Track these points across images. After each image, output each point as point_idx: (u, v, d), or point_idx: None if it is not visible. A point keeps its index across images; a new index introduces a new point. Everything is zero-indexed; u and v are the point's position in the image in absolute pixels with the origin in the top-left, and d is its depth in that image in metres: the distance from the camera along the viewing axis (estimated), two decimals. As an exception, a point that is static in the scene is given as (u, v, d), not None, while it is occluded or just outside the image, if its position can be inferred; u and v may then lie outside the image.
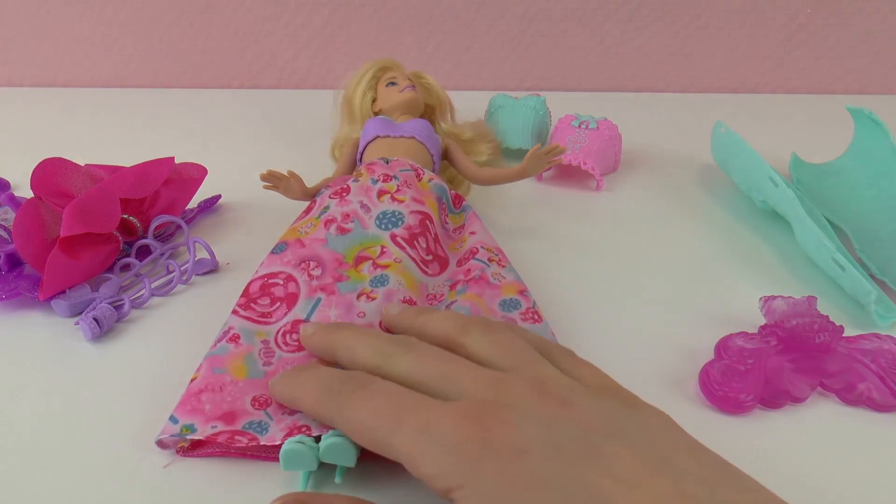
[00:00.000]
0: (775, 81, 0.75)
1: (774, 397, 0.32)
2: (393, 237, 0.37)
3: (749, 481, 0.22)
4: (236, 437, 0.28)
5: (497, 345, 0.27)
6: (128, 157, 0.55)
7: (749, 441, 0.30)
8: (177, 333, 0.36)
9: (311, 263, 0.35)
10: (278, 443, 0.27)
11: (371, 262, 0.36)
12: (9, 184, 0.50)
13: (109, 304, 0.36)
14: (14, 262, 0.38)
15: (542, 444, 0.21)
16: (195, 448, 0.29)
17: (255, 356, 0.31)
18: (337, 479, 0.28)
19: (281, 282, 0.35)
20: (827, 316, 0.34)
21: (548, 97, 0.58)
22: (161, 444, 0.29)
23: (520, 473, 0.20)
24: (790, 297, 0.35)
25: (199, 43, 0.70)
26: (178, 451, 0.29)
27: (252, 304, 0.34)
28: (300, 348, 0.32)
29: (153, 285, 0.38)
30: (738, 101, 0.72)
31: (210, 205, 0.48)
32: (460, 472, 0.21)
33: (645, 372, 0.34)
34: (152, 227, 0.41)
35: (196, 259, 0.40)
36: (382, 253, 0.36)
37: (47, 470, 0.28)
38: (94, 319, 0.35)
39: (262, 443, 0.28)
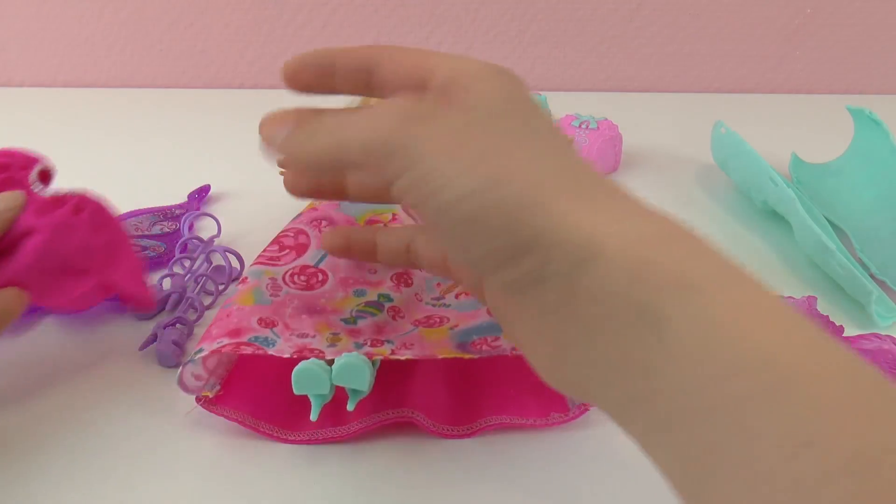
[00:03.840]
0: (775, 81, 0.75)
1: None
2: (405, 208, 0.38)
3: None
4: (242, 347, 0.28)
5: None
6: (128, 156, 0.55)
7: (749, 441, 0.30)
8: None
9: (323, 222, 0.36)
10: (287, 356, 0.28)
11: (383, 225, 0.37)
12: None
13: (171, 327, 0.35)
14: None
15: None
16: (216, 402, 0.29)
17: (262, 289, 0.32)
18: (349, 407, 0.28)
19: (291, 234, 0.36)
20: (827, 316, 0.34)
21: (548, 97, 0.58)
22: (182, 385, 0.29)
23: None
24: (790, 297, 0.35)
25: (199, 43, 0.70)
26: (197, 400, 0.29)
27: (263, 253, 0.35)
28: (308, 287, 0.33)
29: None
30: (738, 101, 0.72)
31: (203, 195, 0.48)
32: None
33: (645, 372, 0.34)
34: (185, 223, 0.42)
35: (213, 266, 0.40)
36: (393, 219, 0.37)
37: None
38: (175, 343, 0.33)
39: (269, 353, 0.28)
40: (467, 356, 0.29)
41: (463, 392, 0.32)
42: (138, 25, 0.69)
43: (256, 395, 0.30)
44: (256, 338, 0.29)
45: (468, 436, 0.30)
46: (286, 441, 0.29)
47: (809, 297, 0.35)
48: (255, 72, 0.72)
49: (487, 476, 0.29)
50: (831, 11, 0.70)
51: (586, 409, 0.30)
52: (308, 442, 0.30)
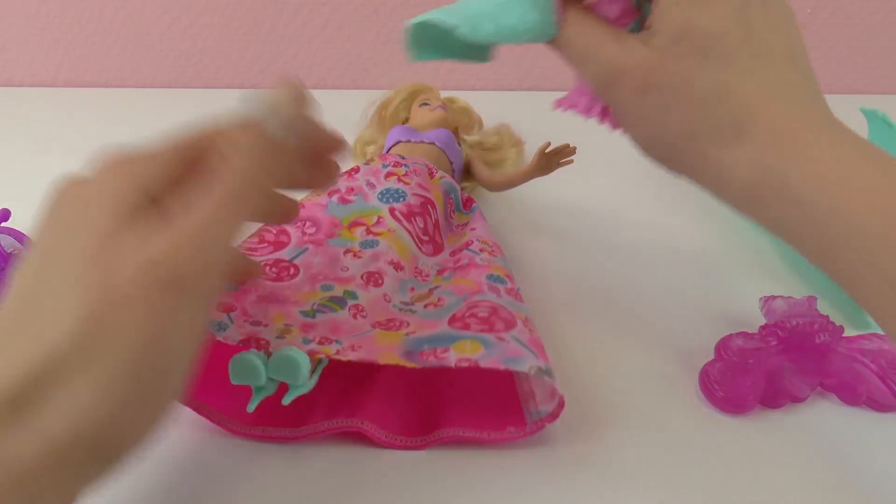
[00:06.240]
0: (775, 81, 0.75)
1: (774, 397, 0.32)
2: (391, 210, 0.37)
3: None
4: None
5: None
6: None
7: (749, 441, 0.30)
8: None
9: (307, 223, 0.36)
10: (233, 343, 0.28)
11: (365, 228, 0.36)
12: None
13: None
14: None
15: None
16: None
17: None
18: (284, 401, 0.27)
19: (273, 231, 0.35)
20: (827, 316, 0.34)
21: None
22: None
23: None
24: (790, 297, 0.35)
25: (199, 43, 0.70)
26: None
27: (241, 244, 0.34)
28: (277, 278, 0.32)
29: None
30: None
31: None
32: None
33: (645, 372, 0.34)
34: None
35: None
36: (378, 222, 0.37)
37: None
38: None
39: (217, 338, 0.28)
40: (410, 365, 0.28)
41: (422, 402, 0.31)
42: (138, 25, 0.69)
43: (207, 382, 0.29)
44: (211, 322, 0.28)
45: (420, 447, 0.30)
46: (233, 432, 0.29)
47: (809, 297, 0.35)
48: (255, 72, 0.72)
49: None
50: (831, 11, 0.70)
51: (542, 426, 0.30)
52: (252, 437, 0.29)
